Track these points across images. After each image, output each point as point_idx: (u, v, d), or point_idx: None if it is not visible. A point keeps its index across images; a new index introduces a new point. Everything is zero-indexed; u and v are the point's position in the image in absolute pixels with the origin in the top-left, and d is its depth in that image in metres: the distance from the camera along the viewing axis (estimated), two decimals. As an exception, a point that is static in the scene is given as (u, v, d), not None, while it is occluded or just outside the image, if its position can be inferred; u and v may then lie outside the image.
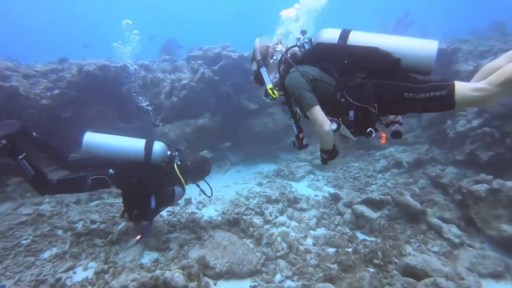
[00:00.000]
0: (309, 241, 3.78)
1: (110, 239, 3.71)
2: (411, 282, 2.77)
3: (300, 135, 2.37)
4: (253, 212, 4.39)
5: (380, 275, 3.05)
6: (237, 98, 6.61)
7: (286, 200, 4.59)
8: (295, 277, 3.08)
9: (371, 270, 3.12)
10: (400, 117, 2.30)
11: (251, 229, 3.87)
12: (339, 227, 4.07)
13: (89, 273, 3.07)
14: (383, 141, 2.23)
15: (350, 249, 3.54)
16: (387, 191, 4.37)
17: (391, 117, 2.30)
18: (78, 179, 3.33)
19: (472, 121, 4.90)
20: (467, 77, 5.87)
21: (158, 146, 3.41)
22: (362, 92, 2.06)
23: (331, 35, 2.23)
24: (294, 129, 2.40)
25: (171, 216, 4.44)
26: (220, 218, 4.26)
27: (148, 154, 3.32)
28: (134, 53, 5.70)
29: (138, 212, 3.44)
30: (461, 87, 1.88)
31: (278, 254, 3.41)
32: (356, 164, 6.10)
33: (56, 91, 4.90)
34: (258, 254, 3.37)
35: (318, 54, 2.25)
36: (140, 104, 5.23)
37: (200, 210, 4.71)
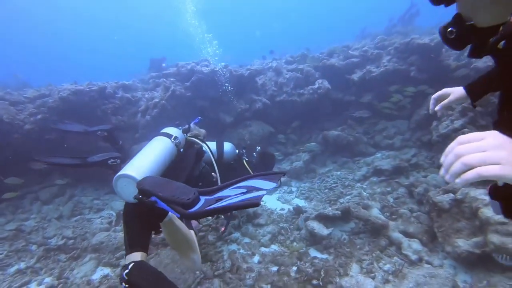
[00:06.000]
0: (256, 258, 3.66)
1: (73, 255, 3.97)
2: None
3: None
4: (209, 228, 4.38)
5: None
6: (213, 112, 6.52)
7: (245, 216, 4.49)
8: (225, 297, 3.03)
9: (307, 291, 2.95)
10: None
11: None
12: (295, 243, 3.89)
13: (40, 289, 3.32)
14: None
15: (294, 268, 3.37)
16: (347, 204, 4.07)
17: None
18: None
19: (455, 121, 4.37)
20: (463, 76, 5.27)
21: (228, 147, 3.63)
22: None
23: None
24: None
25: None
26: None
27: (220, 154, 3.51)
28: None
29: None
30: None
31: (216, 273, 3.37)
32: (338, 173, 5.67)
33: (39, 116, 5.31)
34: (197, 272, 3.36)
35: None
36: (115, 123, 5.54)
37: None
